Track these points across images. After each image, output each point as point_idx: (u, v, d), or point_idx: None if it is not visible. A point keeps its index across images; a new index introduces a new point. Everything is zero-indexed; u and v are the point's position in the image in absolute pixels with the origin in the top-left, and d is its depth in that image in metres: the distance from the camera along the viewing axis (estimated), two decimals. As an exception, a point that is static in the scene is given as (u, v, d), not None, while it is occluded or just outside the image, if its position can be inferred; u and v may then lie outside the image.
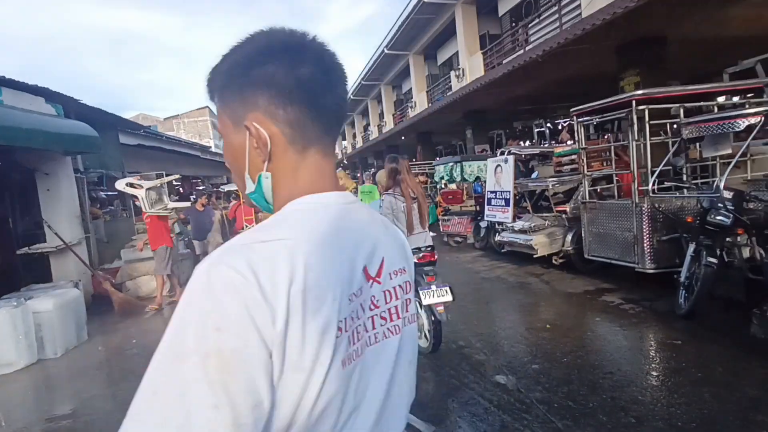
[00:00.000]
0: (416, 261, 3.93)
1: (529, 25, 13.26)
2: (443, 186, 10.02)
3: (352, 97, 30.39)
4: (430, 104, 19.78)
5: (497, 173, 7.52)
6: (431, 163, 15.90)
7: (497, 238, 7.18)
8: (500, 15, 16.60)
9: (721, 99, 5.47)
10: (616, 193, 5.81)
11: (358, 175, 33.28)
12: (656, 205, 4.76)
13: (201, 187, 19.58)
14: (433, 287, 3.80)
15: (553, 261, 6.41)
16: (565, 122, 12.61)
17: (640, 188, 4.89)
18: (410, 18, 18.36)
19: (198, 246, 8.71)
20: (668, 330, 4.02)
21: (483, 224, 8.39)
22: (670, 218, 4.76)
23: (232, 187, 12.33)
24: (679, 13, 8.03)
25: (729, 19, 9.46)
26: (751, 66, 7.50)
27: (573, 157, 6.64)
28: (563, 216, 6.33)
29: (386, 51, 21.73)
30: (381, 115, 29.50)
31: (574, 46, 8.63)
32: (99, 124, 9.49)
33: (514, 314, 5.00)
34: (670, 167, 4.77)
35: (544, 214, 6.81)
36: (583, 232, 5.71)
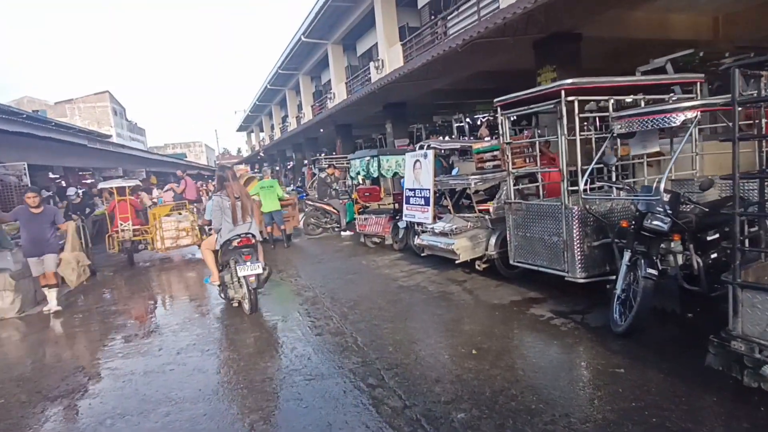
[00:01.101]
0: (237, 244, 5.12)
1: (449, 17, 12.76)
2: (360, 182, 9.12)
3: (268, 86, 28.52)
4: (349, 96, 18.78)
5: (416, 169, 6.76)
6: (348, 159, 14.99)
7: (417, 241, 6.43)
8: (419, 7, 16.02)
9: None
10: (541, 193, 5.26)
11: (277, 169, 31.46)
12: (588, 207, 4.22)
13: (89, 181, 16.95)
14: (248, 264, 5.01)
15: (477, 266, 5.77)
16: (483, 117, 12.30)
17: (570, 188, 4.34)
18: (328, 4, 17.18)
19: (34, 265, 6.38)
20: (607, 353, 3.44)
21: (401, 224, 7.62)
22: (602, 222, 4.26)
23: (113, 183, 10.31)
24: (591, 11, 7.85)
25: (637, 21, 9.56)
26: (661, 65, 7.45)
27: (495, 153, 6.06)
28: (486, 217, 5.71)
29: (303, 39, 20.31)
30: (299, 107, 27.97)
31: (493, 37, 8.12)
32: None
33: (436, 335, 4.23)
34: (602, 165, 4.26)
35: (466, 215, 6.17)
36: (508, 236, 5.11)
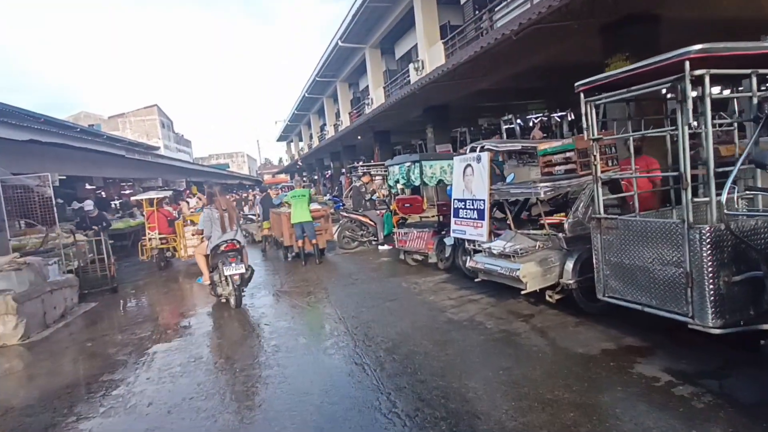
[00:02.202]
0: (224, 248, 6.00)
1: (496, 9, 11.54)
2: (399, 191, 8.01)
3: (306, 94, 28.09)
4: (387, 99, 17.81)
5: (467, 176, 5.59)
6: (386, 165, 13.99)
7: (469, 263, 5.23)
8: (462, 2, 14.88)
9: None
10: (637, 206, 3.96)
11: (315, 178, 30.95)
12: (728, 226, 2.92)
13: (128, 191, 16.79)
14: (233, 265, 5.87)
15: (547, 297, 4.52)
16: (536, 118, 10.94)
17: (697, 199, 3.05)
18: (365, 6, 16.34)
19: None
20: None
21: (448, 241, 6.45)
22: (746, 247, 2.94)
23: (144, 195, 10.35)
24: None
25: (723, -1, 8.02)
26: None
27: (569, 154, 4.80)
28: (560, 235, 4.46)
29: (340, 44, 19.60)
30: (337, 114, 27.34)
31: (553, 22, 6.88)
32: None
33: (506, 404, 3.02)
34: (751, 165, 2.95)
35: (531, 232, 4.93)
36: (594, 261, 3.84)
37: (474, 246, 5.47)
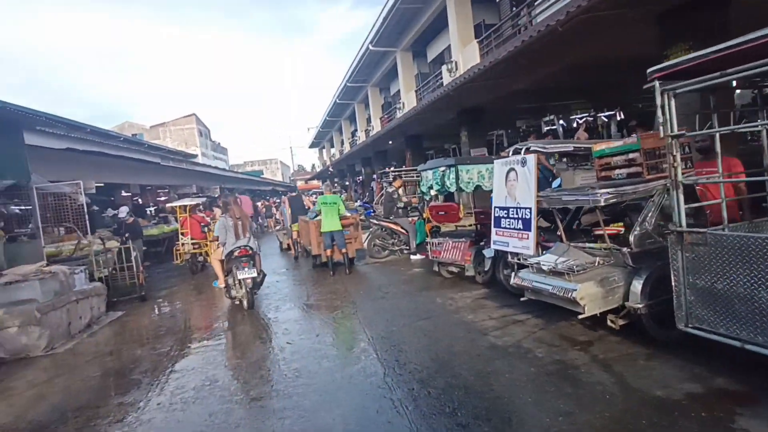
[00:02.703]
0: (238, 254, 6.33)
1: (535, 3, 10.83)
2: (432, 197, 7.45)
3: (337, 100, 27.94)
4: (419, 102, 17.29)
5: (509, 181, 4.99)
6: (418, 170, 13.49)
7: (514, 280, 4.61)
8: (498, 0, 14.23)
9: None
10: (725, 217, 3.26)
11: (347, 184, 30.72)
12: None
13: (163, 198, 16.95)
14: (246, 269, 6.22)
15: (609, 322, 3.86)
16: (581, 118, 10.14)
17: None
18: (396, 8, 15.92)
19: None
20: None
21: (488, 253, 5.84)
22: None
23: (177, 202, 10.56)
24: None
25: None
26: None
27: (632, 155, 4.13)
28: (625, 250, 3.79)
29: (371, 48, 19.25)
30: (368, 120, 27.02)
31: (605, 10, 6.20)
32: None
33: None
34: None
35: (587, 245, 4.28)
36: (674, 283, 3.17)
37: (518, 260, 4.85)
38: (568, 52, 8.37)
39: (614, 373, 3.32)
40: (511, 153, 5.08)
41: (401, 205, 9.72)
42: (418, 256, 9.20)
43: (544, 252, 4.48)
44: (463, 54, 14.43)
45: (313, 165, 63.11)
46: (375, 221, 9.71)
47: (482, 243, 6.12)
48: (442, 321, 5.02)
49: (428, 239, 7.08)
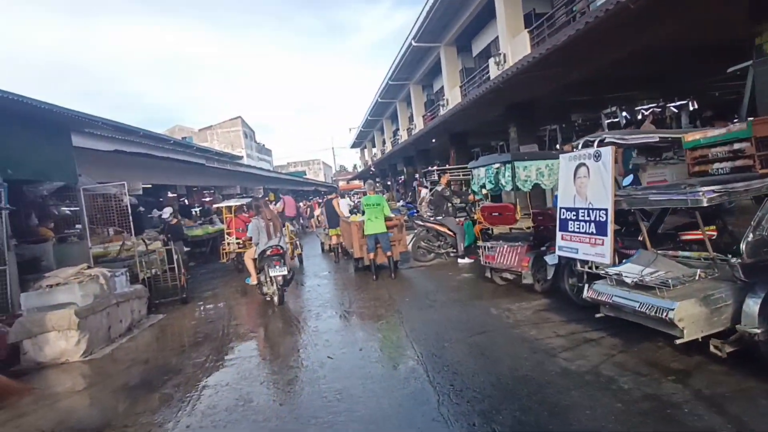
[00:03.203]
0: (269, 253, 6.66)
1: (595, -15, 9.93)
2: (483, 197, 6.82)
3: (379, 99, 27.60)
4: (464, 98, 16.60)
5: (579, 178, 4.34)
6: (469, 168, 12.89)
7: (588, 293, 3.96)
8: (550, -14, 13.34)
9: None
10: None
11: (389, 183, 30.33)
12: None
13: (208, 199, 17.19)
14: (277, 267, 6.53)
15: (712, 347, 3.17)
16: (647, 109, 9.18)
17: None
18: (440, 1, 15.34)
19: None
20: None
21: (551, 260, 5.20)
22: None
23: (224, 203, 10.76)
24: None
25: None
26: None
27: (738, 146, 3.40)
28: (733, 261, 3.09)
29: (414, 44, 18.73)
30: (410, 118, 26.50)
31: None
32: (34, 122, 7.11)
33: None
34: None
35: (681, 254, 3.58)
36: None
37: (589, 268, 4.20)
38: (637, 36, 7.52)
39: (731, 417, 2.65)
40: (580, 146, 4.42)
41: (457, 202, 9.18)
42: (467, 260, 8.61)
43: (624, 261, 3.81)
44: (512, 45, 13.63)
45: (355, 165, 63.35)
46: (420, 222, 9.19)
47: (543, 248, 5.47)
48: (501, 337, 4.44)
49: (480, 243, 6.49)
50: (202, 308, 7.42)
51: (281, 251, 6.69)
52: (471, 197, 9.11)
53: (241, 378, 4.16)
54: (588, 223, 4.21)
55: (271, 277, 6.60)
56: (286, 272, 6.57)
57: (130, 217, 8.25)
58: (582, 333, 4.23)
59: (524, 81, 10.02)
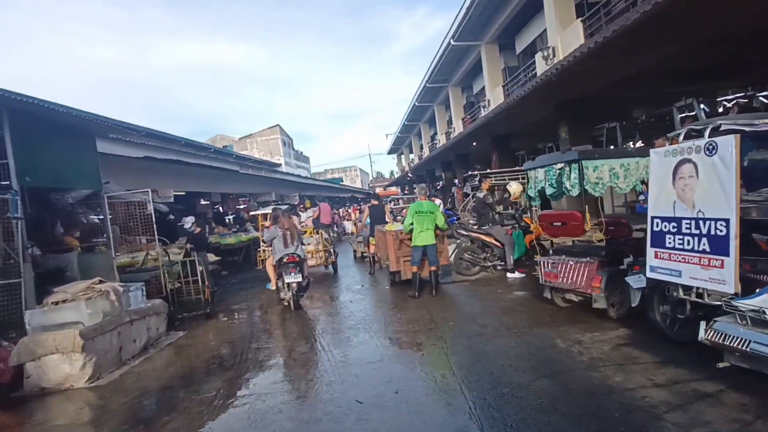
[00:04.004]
0: (286, 260, 6.89)
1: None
2: (540, 203, 5.79)
3: (417, 103, 26.79)
4: (507, 98, 15.47)
5: (680, 178, 3.32)
6: (519, 170, 11.80)
7: (707, 334, 2.92)
8: (605, -28, 12.08)
9: None
10: None
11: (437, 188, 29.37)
12: None
13: (242, 206, 16.87)
14: (292, 274, 6.77)
15: None
16: (730, 100, 7.85)
17: None
18: (480, -4, 14.39)
19: None
20: None
21: (637, 282, 4.15)
22: None
23: (259, 211, 10.43)
24: None
25: None
26: None
27: None
28: None
29: (453, 43, 17.81)
30: (449, 122, 25.52)
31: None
32: (55, 127, 6.76)
33: None
34: None
35: None
36: None
37: (697, 296, 3.15)
38: (716, 15, 6.33)
39: None
40: (682, 136, 3.39)
41: (499, 209, 8.16)
42: (517, 275, 7.58)
43: (759, 291, 2.76)
44: (563, 37, 12.47)
45: (392, 172, 62.69)
46: (463, 232, 8.23)
47: (621, 266, 4.43)
48: (576, 382, 3.45)
49: (538, 257, 5.48)
50: (224, 325, 6.79)
51: (297, 259, 6.91)
52: (518, 200, 8.12)
53: (251, 425, 3.38)
54: (697, 238, 3.17)
55: (286, 284, 6.87)
56: (300, 279, 6.81)
57: (154, 226, 7.75)
58: (689, 382, 3.18)
59: (580, 73, 8.92)
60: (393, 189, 34.16)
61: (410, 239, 6.92)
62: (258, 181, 17.87)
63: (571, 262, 4.98)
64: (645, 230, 5.26)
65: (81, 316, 5.00)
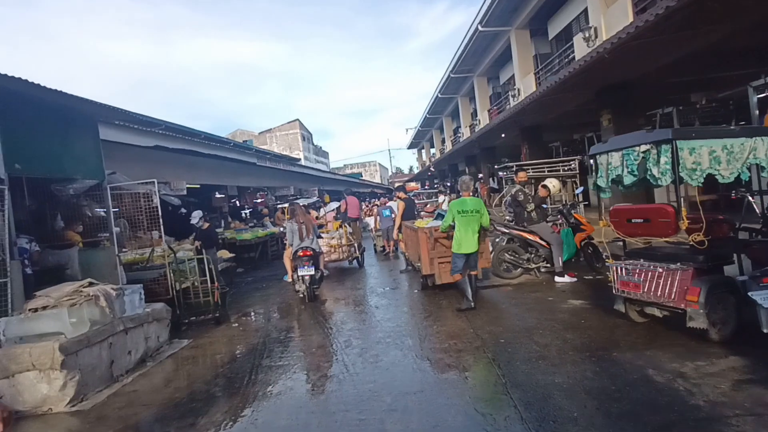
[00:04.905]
0: (300, 254, 6.97)
1: None
2: (607, 194, 4.71)
3: (439, 95, 25.66)
4: (539, 87, 14.26)
5: None
6: (563, 161, 10.75)
7: None
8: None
9: None
10: None
11: (448, 185, 28.22)
12: None
13: (260, 200, 16.12)
14: (306, 267, 6.86)
15: None
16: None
17: None
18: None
19: None
20: None
21: (765, 300, 3.10)
22: None
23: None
24: None
25: None
26: None
27: None
28: None
29: (480, 29, 16.64)
30: (474, 114, 24.35)
31: None
32: (51, 111, 6.01)
33: None
34: None
35: None
36: None
37: None
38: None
39: None
40: None
41: (530, 208, 7.06)
42: (567, 279, 6.55)
43: None
44: (607, 16, 11.25)
45: (411, 167, 61.60)
46: (504, 230, 7.19)
47: (745, 277, 3.37)
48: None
49: (610, 261, 4.43)
50: (235, 333, 5.94)
51: (311, 252, 7.00)
52: (546, 197, 7.05)
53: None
54: None
55: (300, 276, 6.95)
56: (313, 272, 6.89)
57: (161, 220, 6.96)
58: None
59: (633, 51, 7.82)
60: (412, 185, 33.17)
61: (446, 238, 5.93)
62: (276, 174, 17.10)
63: (658, 269, 3.93)
64: (754, 230, 4.19)
65: (63, 325, 4.20)
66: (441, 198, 12.57)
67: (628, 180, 4.10)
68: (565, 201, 7.63)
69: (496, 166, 15.35)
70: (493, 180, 18.88)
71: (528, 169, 10.10)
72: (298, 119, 46.69)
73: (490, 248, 6.90)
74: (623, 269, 4.27)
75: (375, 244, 12.71)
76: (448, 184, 27.37)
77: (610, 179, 4.33)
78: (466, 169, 24.38)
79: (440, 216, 7.11)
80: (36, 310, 4.25)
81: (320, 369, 4.23)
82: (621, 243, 4.65)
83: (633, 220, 4.23)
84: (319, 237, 7.97)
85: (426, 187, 30.46)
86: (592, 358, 3.74)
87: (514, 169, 8.90)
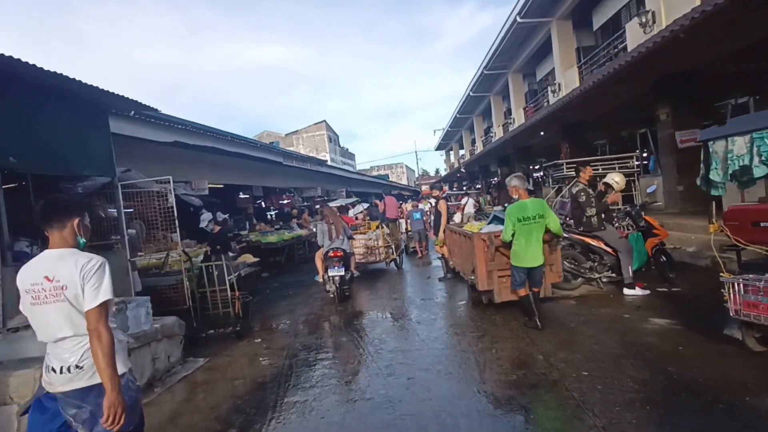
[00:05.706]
0: (330, 255, 7.03)
1: None
2: (722, 192, 3.74)
3: (471, 93, 24.67)
4: (584, 81, 13.12)
5: None
6: (615, 158, 9.69)
7: None
8: None
9: None
10: None
11: (479, 186, 27.09)
12: None
13: (286, 201, 15.53)
14: (336, 268, 6.85)
15: None
16: None
17: None
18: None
19: None
20: None
21: None
22: None
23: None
24: None
25: None
26: None
27: None
28: None
29: (519, 20, 15.64)
30: (507, 113, 23.25)
31: None
32: (54, 99, 5.44)
33: None
34: None
35: None
36: None
37: None
38: None
39: None
40: None
41: (589, 213, 6.03)
42: (638, 291, 5.56)
43: None
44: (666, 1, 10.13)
45: (437, 169, 60.53)
46: (564, 234, 6.23)
47: None
48: None
49: (726, 277, 3.46)
50: (258, 351, 5.19)
51: (342, 254, 7.01)
52: (616, 202, 6.02)
53: None
54: None
55: (330, 276, 6.95)
56: (343, 273, 6.88)
57: (176, 221, 6.33)
58: None
59: (709, 31, 6.86)
60: (425, 189, 31.97)
61: (507, 246, 5.02)
62: (303, 174, 16.51)
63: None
64: None
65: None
66: (464, 200, 11.60)
67: (760, 172, 3.13)
68: (635, 201, 6.59)
69: (531, 167, 14.24)
70: (528, 181, 17.74)
71: (590, 166, 9.02)
72: (324, 121, 46.42)
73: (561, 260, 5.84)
74: (746, 287, 3.30)
75: (406, 245, 12.26)
76: (479, 186, 26.29)
77: (729, 172, 3.36)
78: (498, 170, 23.26)
79: (496, 219, 6.20)
80: (17, 329, 3.59)
81: (356, 404, 3.42)
82: (735, 252, 3.66)
83: (762, 224, 3.25)
84: (351, 238, 7.85)
85: (455, 188, 29.40)
86: (718, 404, 2.80)
87: (575, 167, 7.73)
